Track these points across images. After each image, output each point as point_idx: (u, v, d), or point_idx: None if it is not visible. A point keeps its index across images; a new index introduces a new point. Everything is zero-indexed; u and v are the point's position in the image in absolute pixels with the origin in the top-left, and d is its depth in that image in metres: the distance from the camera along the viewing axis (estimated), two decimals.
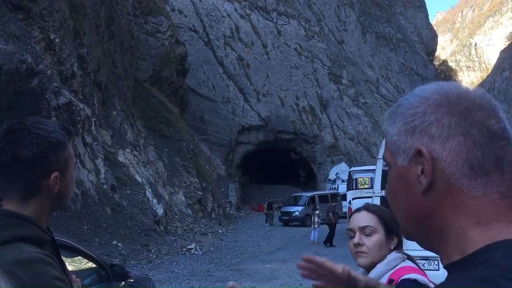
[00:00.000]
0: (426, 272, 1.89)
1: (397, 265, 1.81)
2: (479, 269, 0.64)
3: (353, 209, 15.12)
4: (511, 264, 0.62)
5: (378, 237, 1.88)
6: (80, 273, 4.19)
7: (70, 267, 4.08)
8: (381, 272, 1.82)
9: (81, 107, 15.85)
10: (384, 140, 0.81)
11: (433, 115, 0.73)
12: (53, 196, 1.35)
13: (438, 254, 0.76)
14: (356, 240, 1.90)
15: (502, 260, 0.63)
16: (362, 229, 1.90)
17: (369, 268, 1.88)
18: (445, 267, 0.73)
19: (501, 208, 0.69)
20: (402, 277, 1.72)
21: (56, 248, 1.43)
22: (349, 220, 2.06)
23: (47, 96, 12.90)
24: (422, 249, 0.81)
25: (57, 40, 15.02)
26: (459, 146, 0.71)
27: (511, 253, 0.64)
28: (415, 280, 1.70)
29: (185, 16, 40.96)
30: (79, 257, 4.15)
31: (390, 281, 1.75)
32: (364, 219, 1.92)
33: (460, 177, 0.70)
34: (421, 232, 0.76)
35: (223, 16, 44.29)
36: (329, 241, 18.20)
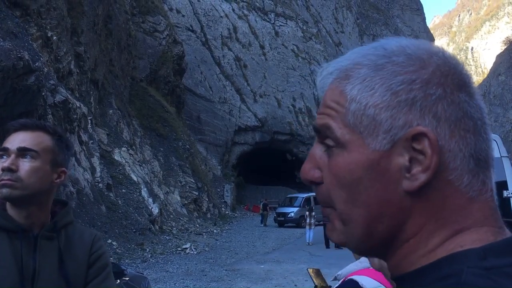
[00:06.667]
0: None
1: (367, 267, 1.56)
2: (442, 285, 0.49)
3: None
4: (478, 282, 0.47)
5: None
6: None
7: None
8: (349, 271, 1.62)
9: (78, 105, 15.81)
10: (327, 103, 0.59)
11: (441, 87, 0.54)
12: None
13: (385, 261, 0.59)
14: None
15: (469, 277, 0.48)
16: None
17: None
18: (394, 278, 0.57)
19: (492, 211, 0.55)
20: (349, 277, 1.53)
21: None
22: None
23: (43, 94, 12.86)
24: None
25: (55, 37, 14.98)
26: (468, 134, 0.53)
27: (481, 266, 0.49)
28: (356, 282, 1.46)
29: (183, 16, 40.94)
30: None
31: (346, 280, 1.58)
32: None
33: (463, 173, 0.53)
34: (378, 240, 0.57)
35: (221, 16, 44.28)
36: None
